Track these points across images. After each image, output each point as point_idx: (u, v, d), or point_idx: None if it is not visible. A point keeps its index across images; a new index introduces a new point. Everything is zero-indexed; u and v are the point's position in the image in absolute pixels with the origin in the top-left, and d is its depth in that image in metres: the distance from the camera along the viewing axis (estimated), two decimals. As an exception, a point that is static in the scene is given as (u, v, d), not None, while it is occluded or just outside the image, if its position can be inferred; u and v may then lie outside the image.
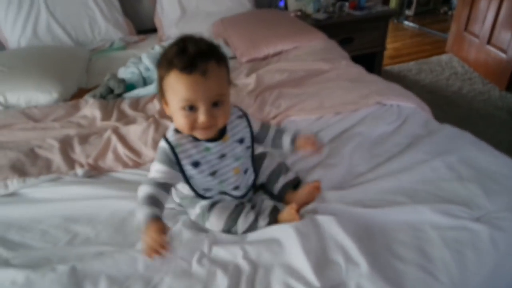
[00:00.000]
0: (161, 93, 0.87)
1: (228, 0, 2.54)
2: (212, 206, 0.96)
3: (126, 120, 1.47)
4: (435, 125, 1.29)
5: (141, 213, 0.83)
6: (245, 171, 1.00)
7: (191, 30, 2.35)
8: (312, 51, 1.91)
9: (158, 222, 0.81)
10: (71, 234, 1.00)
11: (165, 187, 0.89)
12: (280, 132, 1.07)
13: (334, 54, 1.88)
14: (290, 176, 1.06)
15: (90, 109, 1.56)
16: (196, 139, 0.90)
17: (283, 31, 2.07)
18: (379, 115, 1.35)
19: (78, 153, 1.28)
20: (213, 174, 0.93)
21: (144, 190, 0.87)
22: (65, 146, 1.30)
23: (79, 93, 1.81)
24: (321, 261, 0.81)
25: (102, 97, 1.69)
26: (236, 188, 0.98)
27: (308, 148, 1.02)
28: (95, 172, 1.21)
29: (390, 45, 3.70)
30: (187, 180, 0.92)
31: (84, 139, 1.35)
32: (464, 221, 0.88)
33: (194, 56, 0.77)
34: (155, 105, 1.57)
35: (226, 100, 0.85)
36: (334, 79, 1.61)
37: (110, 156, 1.24)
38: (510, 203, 0.92)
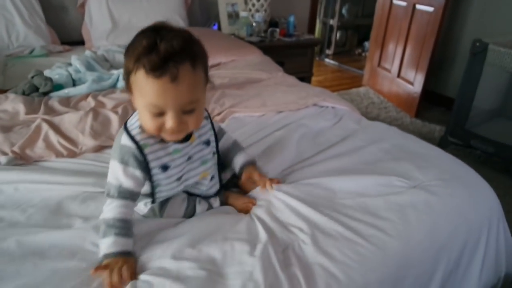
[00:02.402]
0: (127, 85, 0.74)
1: (161, 17, 2.55)
2: (163, 203, 0.88)
3: (55, 114, 1.35)
4: (367, 122, 1.42)
5: (111, 242, 0.72)
6: (211, 178, 0.92)
7: (123, 43, 2.33)
8: (249, 63, 2.00)
9: (130, 260, 0.72)
10: (-7, 218, 0.86)
11: (134, 198, 0.78)
12: (236, 147, 0.99)
13: (270, 66, 1.99)
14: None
15: (11, 103, 1.41)
16: (163, 140, 0.79)
17: (221, 45, 2.14)
18: (318, 114, 1.45)
19: (1, 141, 1.13)
20: (179, 179, 0.84)
21: (115, 209, 0.75)
22: (-16, 134, 1.15)
23: (-5, 93, 1.62)
24: (276, 225, 0.82)
25: (25, 94, 1.54)
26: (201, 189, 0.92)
27: (251, 186, 0.97)
28: (22, 161, 1.08)
29: (314, 78, 3.99)
30: (153, 188, 0.81)
31: (7, 129, 1.20)
32: (403, 188, 0.96)
33: (165, 56, 0.65)
34: (89, 103, 1.48)
35: (200, 105, 0.75)
36: (272, 85, 1.69)
37: (40, 145, 1.12)
38: (439, 175, 1.03)
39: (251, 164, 0.97)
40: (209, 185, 0.92)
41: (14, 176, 0.99)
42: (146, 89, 0.68)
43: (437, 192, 0.95)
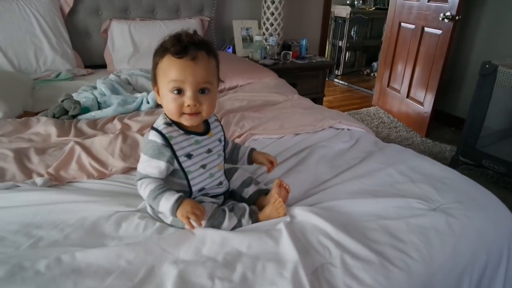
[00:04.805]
0: (154, 81, 0.93)
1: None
2: None
3: (85, 136, 1.42)
4: (383, 144, 1.47)
5: (166, 200, 0.86)
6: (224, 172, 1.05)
7: (143, 67, 2.43)
8: (265, 86, 2.06)
9: (188, 201, 0.87)
10: (34, 238, 0.91)
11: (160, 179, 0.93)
12: (237, 145, 1.18)
13: (285, 89, 2.05)
14: (261, 186, 1.11)
15: (43, 126, 1.48)
16: (186, 133, 0.93)
17: (238, 68, 2.22)
18: (334, 136, 1.49)
19: (36, 163, 1.19)
20: (203, 167, 0.96)
21: (151, 184, 0.90)
22: (21, 156, 1.21)
23: (26, 115, 1.70)
24: (305, 245, 0.85)
25: (55, 117, 1.62)
26: (220, 184, 1.01)
27: (265, 164, 1.12)
28: (56, 182, 1.14)
29: (324, 98, 4.06)
30: (186, 176, 0.93)
31: (41, 151, 1.27)
32: (423, 211, 1.00)
33: (187, 44, 0.85)
34: (115, 125, 1.54)
35: (213, 91, 0.91)
36: (289, 108, 1.75)
37: (73, 166, 1.18)
38: (457, 197, 1.06)
39: (253, 150, 1.16)
40: (224, 178, 1.04)
41: (50, 196, 1.05)
42: (170, 68, 0.85)
43: (456, 214, 0.99)
